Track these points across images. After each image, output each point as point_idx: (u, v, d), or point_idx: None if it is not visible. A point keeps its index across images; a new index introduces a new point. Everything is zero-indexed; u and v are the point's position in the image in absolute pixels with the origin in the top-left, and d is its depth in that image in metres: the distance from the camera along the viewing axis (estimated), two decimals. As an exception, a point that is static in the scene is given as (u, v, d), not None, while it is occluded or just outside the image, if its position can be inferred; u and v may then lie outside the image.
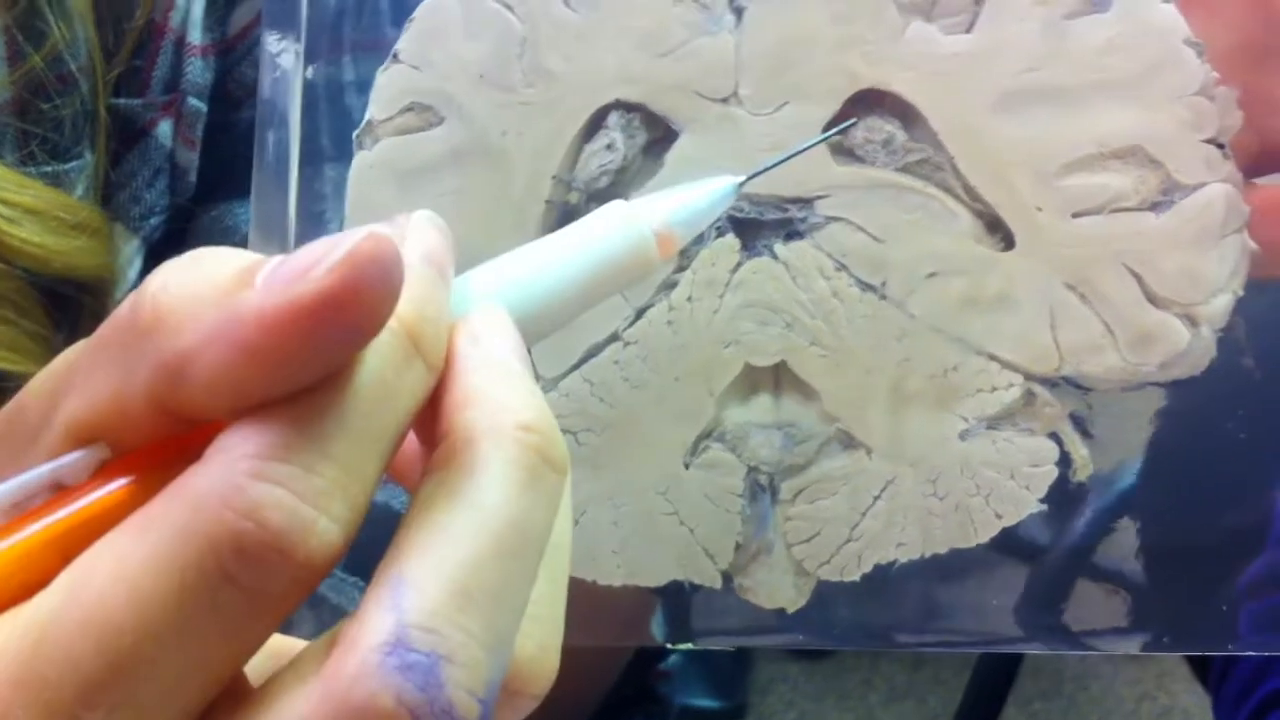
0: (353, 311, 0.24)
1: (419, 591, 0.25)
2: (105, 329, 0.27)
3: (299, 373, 0.25)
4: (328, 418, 0.25)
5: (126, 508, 0.26)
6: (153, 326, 0.25)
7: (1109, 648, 0.47)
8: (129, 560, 0.24)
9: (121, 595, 0.24)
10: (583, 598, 0.45)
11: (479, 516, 0.26)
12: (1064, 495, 0.44)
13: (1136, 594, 0.46)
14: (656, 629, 0.47)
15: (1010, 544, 0.45)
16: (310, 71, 0.45)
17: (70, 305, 0.55)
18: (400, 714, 0.24)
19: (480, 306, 0.30)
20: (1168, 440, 0.45)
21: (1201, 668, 0.96)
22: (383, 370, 0.26)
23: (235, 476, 0.24)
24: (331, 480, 0.25)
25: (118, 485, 0.26)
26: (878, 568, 0.44)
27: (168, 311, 0.25)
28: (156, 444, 0.27)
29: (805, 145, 0.41)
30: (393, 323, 0.26)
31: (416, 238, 0.29)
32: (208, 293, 0.25)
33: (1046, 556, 0.46)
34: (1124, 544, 0.45)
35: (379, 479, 0.26)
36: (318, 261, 0.24)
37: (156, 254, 0.58)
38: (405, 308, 0.27)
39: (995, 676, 1.34)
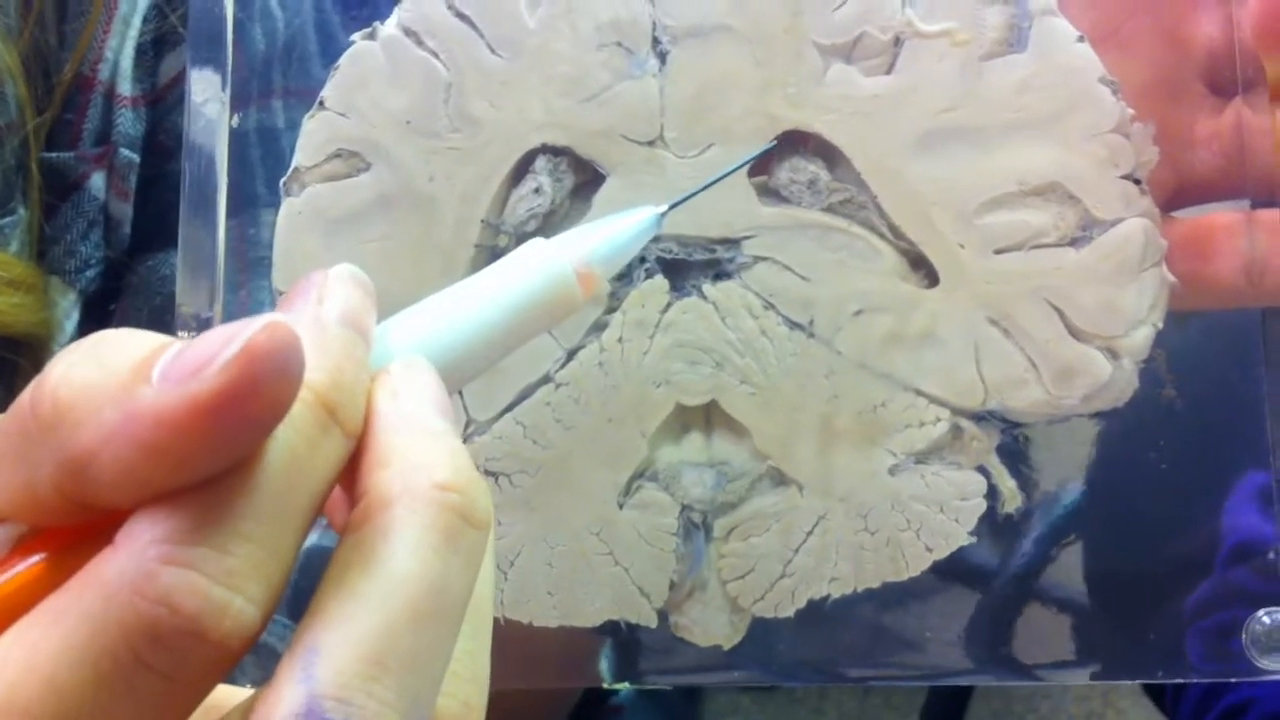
0: (251, 407, 0.24)
1: (331, 661, 0.24)
2: (8, 419, 0.26)
3: (202, 466, 0.25)
4: (239, 497, 0.25)
5: (49, 583, 0.25)
6: (53, 423, 0.25)
7: (1058, 679, 0.47)
8: (42, 650, 0.24)
9: (36, 686, 0.24)
10: (522, 641, 0.45)
11: (393, 581, 0.25)
12: (995, 527, 0.44)
13: (1083, 621, 0.46)
14: (605, 668, 0.47)
15: (954, 571, 0.45)
16: (236, 119, 0.45)
17: (4, 364, 0.55)
18: None
19: (400, 358, 0.29)
20: (1103, 469, 0.45)
21: (1152, 685, 0.97)
22: (295, 444, 0.26)
23: (145, 563, 0.24)
24: (245, 559, 0.25)
25: (37, 560, 0.26)
26: (811, 603, 0.44)
27: (66, 408, 0.25)
28: (69, 525, 0.26)
29: (723, 174, 0.41)
30: (306, 394, 0.26)
31: (335, 296, 0.29)
32: (106, 387, 0.25)
33: (993, 584, 0.46)
34: (1069, 571, 0.46)
35: (297, 551, 0.26)
36: (213, 357, 0.24)
37: (93, 307, 0.58)
38: (320, 377, 0.26)
39: (948, 703, 1.34)
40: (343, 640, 0.25)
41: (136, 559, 0.24)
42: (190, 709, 0.25)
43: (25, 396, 0.26)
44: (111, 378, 0.25)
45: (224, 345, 0.24)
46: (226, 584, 0.24)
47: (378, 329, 0.30)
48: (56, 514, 0.26)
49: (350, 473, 0.28)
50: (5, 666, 0.24)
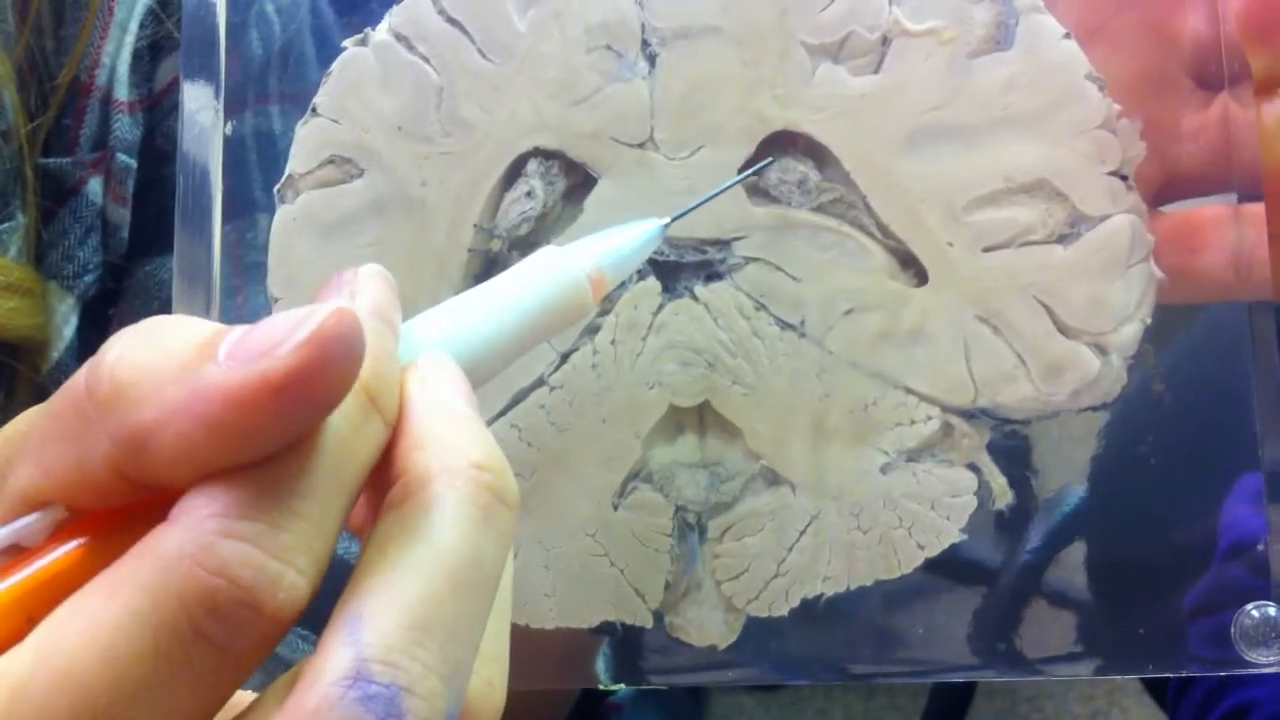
0: (319, 387, 0.25)
1: (377, 626, 0.25)
2: (59, 400, 0.27)
3: (263, 444, 0.25)
4: (291, 476, 0.26)
5: (88, 567, 0.26)
6: (112, 400, 0.26)
7: (1062, 673, 0.47)
8: (100, 621, 0.25)
9: (94, 656, 0.24)
10: (520, 641, 0.46)
11: (434, 553, 0.26)
12: (998, 527, 0.45)
13: (1087, 617, 0.46)
14: (602, 668, 0.48)
15: (958, 571, 0.45)
16: (230, 127, 0.46)
17: (2, 370, 0.55)
18: None
19: (427, 353, 0.31)
20: (1101, 467, 0.45)
21: (1154, 684, 0.97)
22: (342, 428, 0.27)
23: (204, 536, 0.25)
24: (296, 535, 0.26)
25: (77, 544, 0.27)
26: (805, 601, 0.45)
27: (126, 385, 0.26)
28: (114, 506, 0.27)
29: (725, 186, 0.42)
30: None
31: (365, 292, 0.30)
32: (167, 366, 0.26)
33: (996, 584, 0.46)
34: (1072, 567, 0.46)
35: (339, 532, 0.27)
36: (284, 339, 0.25)
37: (92, 312, 0.58)
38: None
39: (951, 702, 1.34)
40: (387, 607, 0.26)
41: (194, 532, 0.25)
42: (238, 683, 0.26)
43: (79, 378, 0.27)
44: (172, 357, 0.26)
45: (294, 328, 0.25)
46: (281, 558, 0.25)
47: (402, 328, 0.31)
48: (105, 494, 0.27)
49: (382, 460, 0.29)
50: (64, 638, 0.25)
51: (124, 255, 0.59)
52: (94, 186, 0.57)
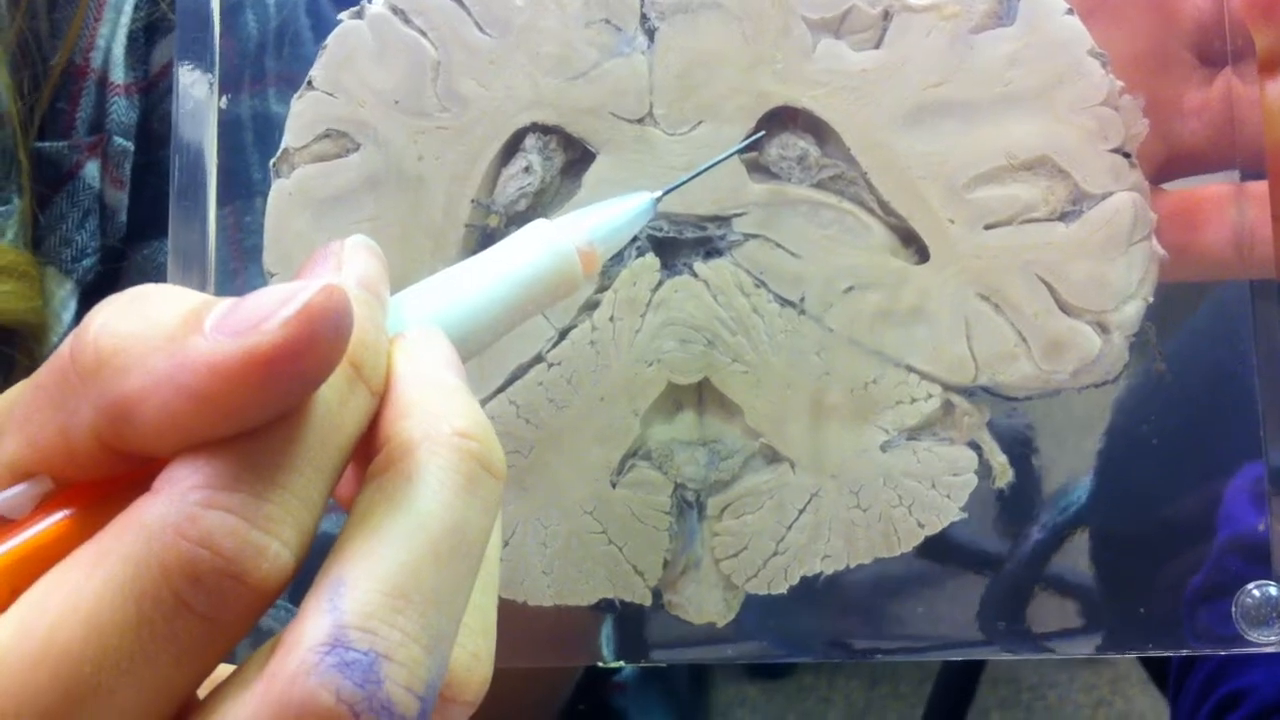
0: (306, 363, 0.25)
1: (357, 593, 0.25)
2: (45, 371, 0.27)
3: (248, 417, 0.25)
4: (276, 447, 0.26)
5: (73, 539, 0.26)
6: (95, 369, 0.26)
7: (1064, 650, 0.47)
8: (83, 592, 0.25)
9: (77, 627, 0.24)
10: (520, 620, 0.45)
11: (417, 520, 0.26)
12: (1003, 513, 0.44)
13: (1089, 596, 0.46)
14: (605, 645, 0.48)
15: (959, 554, 0.45)
16: (225, 101, 0.45)
17: (1, 355, 0.55)
18: (339, 710, 0.24)
19: (415, 325, 0.31)
20: (1104, 448, 0.45)
21: (1158, 672, 0.97)
22: (328, 399, 0.27)
23: (187, 506, 0.25)
24: (281, 506, 0.25)
25: (63, 516, 0.27)
26: (804, 580, 0.44)
27: (110, 354, 0.26)
28: (99, 477, 0.27)
29: (715, 160, 0.42)
30: None
31: (352, 263, 0.30)
32: (152, 335, 0.25)
33: (1001, 562, 0.46)
34: (1075, 547, 0.46)
35: (325, 502, 0.27)
36: (271, 313, 0.25)
37: (90, 295, 0.58)
38: None
39: (955, 690, 1.34)
40: (368, 574, 0.26)
41: (178, 502, 0.25)
42: (223, 654, 0.26)
43: (64, 348, 0.26)
44: (158, 328, 0.26)
45: (282, 303, 0.25)
46: (264, 529, 0.25)
47: (390, 302, 0.31)
48: (89, 464, 0.27)
49: (368, 431, 0.29)
50: (46, 609, 0.25)
51: (122, 239, 0.59)
52: (91, 170, 0.57)
